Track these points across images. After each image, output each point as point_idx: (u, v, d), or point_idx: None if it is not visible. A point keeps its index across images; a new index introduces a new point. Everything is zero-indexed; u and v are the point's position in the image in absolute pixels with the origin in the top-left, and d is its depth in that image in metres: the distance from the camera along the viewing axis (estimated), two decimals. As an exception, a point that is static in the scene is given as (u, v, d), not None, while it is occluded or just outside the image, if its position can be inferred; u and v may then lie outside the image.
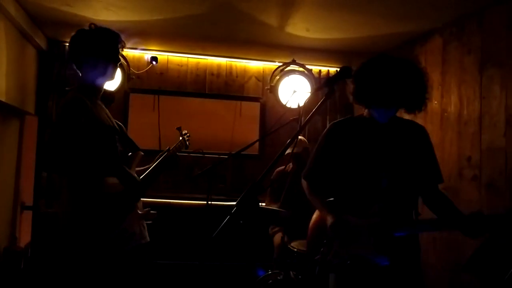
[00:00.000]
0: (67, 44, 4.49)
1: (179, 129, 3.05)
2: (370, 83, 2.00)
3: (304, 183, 2.25)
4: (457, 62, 3.39)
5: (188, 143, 3.02)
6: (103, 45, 2.23)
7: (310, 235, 2.24)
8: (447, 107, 3.44)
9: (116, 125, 2.31)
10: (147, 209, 2.45)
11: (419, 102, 2.00)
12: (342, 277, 2.03)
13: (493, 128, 3.00)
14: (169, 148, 2.67)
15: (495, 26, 3.04)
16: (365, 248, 1.95)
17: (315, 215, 2.24)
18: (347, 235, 1.97)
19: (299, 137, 1.75)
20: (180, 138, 2.96)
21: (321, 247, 2.07)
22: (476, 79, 3.18)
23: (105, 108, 2.28)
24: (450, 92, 3.43)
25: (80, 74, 2.24)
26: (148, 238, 2.47)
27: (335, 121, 2.22)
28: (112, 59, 2.27)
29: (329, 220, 2.02)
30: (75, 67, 2.25)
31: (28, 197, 4.37)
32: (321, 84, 1.80)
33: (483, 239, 2.67)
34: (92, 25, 2.25)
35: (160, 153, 2.60)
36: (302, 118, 1.90)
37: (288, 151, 1.92)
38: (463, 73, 3.31)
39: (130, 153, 2.40)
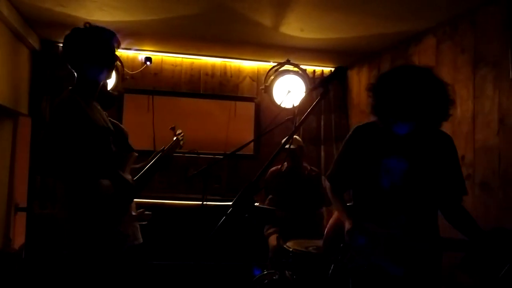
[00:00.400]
0: (61, 45, 4.47)
1: (173, 128, 3.04)
2: (389, 97, 1.91)
3: (327, 184, 2.26)
4: (451, 61, 3.40)
5: (182, 142, 3.01)
6: (100, 44, 2.20)
7: (327, 236, 2.25)
8: (441, 107, 3.45)
9: (111, 125, 2.30)
10: (141, 210, 2.44)
11: (441, 117, 1.91)
12: (356, 282, 2.03)
13: (486, 127, 3.02)
14: (163, 148, 2.66)
15: (488, 26, 3.05)
16: (381, 256, 1.94)
17: (333, 216, 2.25)
18: (364, 242, 1.97)
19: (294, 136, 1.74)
20: (174, 138, 2.95)
21: (337, 249, 2.09)
22: (469, 78, 3.19)
23: (100, 109, 2.26)
24: (444, 92, 3.44)
25: (76, 74, 2.22)
26: (141, 239, 2.47)
27: (357, 125, 2.17)
28: (108, 58, 2.25)
29: (347, 225, 2.02)
30: (69, 67, 2.23)
31: (22, 198, 4.35)
32: (316, 85, 1.80)
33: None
34: (87, 24, 2.22)
35: (154, 153, 2.59)
36: (297, 118, 1.90)
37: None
38: (457, 72, 3.33)
39: (124, 154, 2.38)
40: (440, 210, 2.05)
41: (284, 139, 3.95)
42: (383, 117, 1.97)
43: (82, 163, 2.07)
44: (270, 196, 3.92)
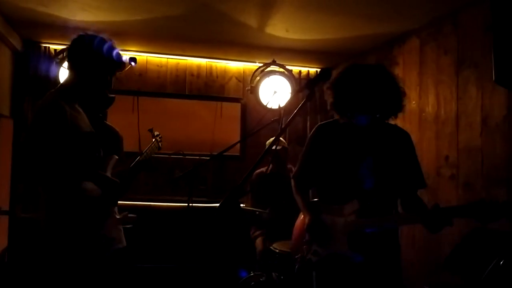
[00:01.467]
0: (44, 45, 4.42)
1: (151, 130, 3.03)
2: (345, 93, 2.04)
3: (292, 182, 2.31)
4: (434, 63, 3.44)
5: (161, 144, 3.00)
6: (114, 58, 2.25)
7: (294, 237, 2.29)
8: (425, 107, 3.49)
9: (92, 129, 2.27)
10: (125, 213, 2.42)
11: (395, 108, 2.04)
12: (321, 275, 2.09)
13: (469, 128, 3.06)
14: (142, 152, 2.65)
15: (470, 28, 3.09)
16: (340, 245, 2.01)
17: (299, 218, 2.28)
18: (323, 234, 2.04)
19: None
20: (153, 140, 2.94)
21: (301, 247, 2.15)
22: (452, 79, 3.23)
23: (83, 112, 2.24)
24: (428, 93, 3.48)
25: (73, 77, 2.20)
26: (125, 243, 2.45)
27: (320, 123, 2.26)
28: (113, 73, 2.30)
29: (306, 219, 2.10)
30: (68, 67, 2.22)
31: (4, 201, 4.26)
32: (302, 87, 1.83)
33: (462, 236, 2.72)
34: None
35: (135, 157, 2.58)
36: (283, 119, 1.93)
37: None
38: (440, 73, 3.37)
39: (104, 158, 2.37)
40: (400, 199, 2.15)
41: (269, 140, 3.95)
42: (342, 111, 2.08)
43: (64, 169, 2.04)
44: (255, 198, 3.91)
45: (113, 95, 2.71)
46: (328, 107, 2.14)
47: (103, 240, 2.22)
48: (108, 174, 2.33)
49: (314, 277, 2.12)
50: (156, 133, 3.02)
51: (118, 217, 2.37)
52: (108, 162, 2.37)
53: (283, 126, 1.78)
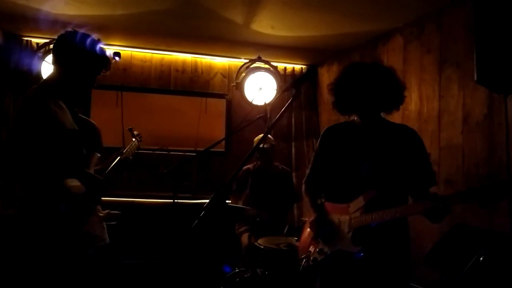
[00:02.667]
0: (26, 38, 4.33)
1: (131, 130, 3.01)
2: (346, 91, 2.10)
3: (303, 186, 2.36)
4: (417, 61, 3.49)
5: (140, 144, 2.99)
6: (103, 58, 2.22)
7: (302, 239, 2.35)
8: (408, 105, 3.54)
9: (76, 126, 2.25)
10: (107, 211, 2.41)
11: (396, 100, 2.10)
12: (326, 273, 2.12)
13: (451, 126, 3.12)
14: (121, 151, 2.63)
15: (453, 28, 3.14)
16: (345, 242, 2.03)
17: (305, 230, 2.32)
18: (327, 231, 2.07)
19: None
20: (133, 139, 2.92)
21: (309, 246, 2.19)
22: (435, 78, 3.28)
23: (66, 108, 2.21)
24: (411, 91, 3.52)
25: (57, 72, 2.17)
26: (108, 240, 2.44)
27: (327, 127, 2.33)
28: (99, 72, 2.25)
29: (312, 218, 2.16)
30: (53, 62, 2.18)
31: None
32: (288, 86, 1.84)
33: (443, 232, 2.77)
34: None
35: (114, 155, 2.56)
36: (269, 116, 1.96)
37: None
38: (423, 72, 3.42)
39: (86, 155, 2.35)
40: (412, 197, 2.15)
41: (257, 137, 3.95)
42: (344, 110, 2.16)
43: (47, 166, 2.02)
44: (242, 194, 3.92)
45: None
46: (331, 107, 2.20)
47: (87, 237, 2.21)
48: (91, 171, 2.31)
49: (319, 276, 2.15)
50: (136, 132, 3.00)
51: (101, 214, 2.36)
52: (91, 160, 2.35)
53: (270, 124, 1.79)
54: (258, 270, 3.13)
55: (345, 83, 2.11)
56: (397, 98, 2.11)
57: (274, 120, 1.77)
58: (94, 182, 2.20)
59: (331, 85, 2.17)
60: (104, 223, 2.40)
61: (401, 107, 2.13)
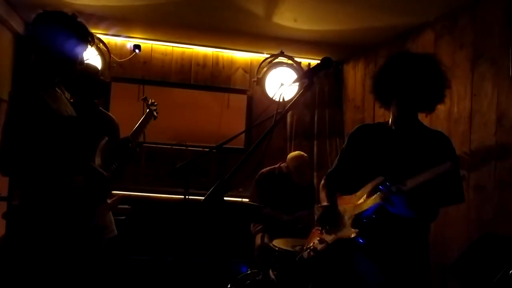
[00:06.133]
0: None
1: (145, 99, 2.92)
2: (390, 79, 2.05)
3: (322, 181, 2.34)
4: (449, 57, 3.27)
5: (156, 113, 2.88)
6: (77, 27, 2.11)
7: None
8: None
9: (74, 112, 2.18)
10: (115, 198, 2.35)
11: (438, 99, 2.05)
12: (324, 262, 2.12)
13: (483, 127, 2.91)
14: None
15: (488, 21, 2.92)
16: (345, 230, 2.01)
17: None
18: (330, 219, 2.08)
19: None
20: (147, 110, 2.82)
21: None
22: (467, 75, 3.07)
23: (63, 97, 2.14)
24: (441, 89, 3.32)
25: (38, 58, 2.10)
26: (116, 231, 2.41)
27: (361, 124, 2.32)
28: (83, 42, 2.14)
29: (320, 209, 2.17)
30: (32, 49, 2.10)
31: (3, 187, 4.20)
32: (300, 76, 1.72)
33: (470, 241, 2.59)
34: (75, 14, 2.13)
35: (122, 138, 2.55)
36: (287, 113, 1.91)
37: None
38: (455, 69, 3.20)
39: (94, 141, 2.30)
40: None
41: (290, 154, 3.87)
42: (382, 97, 2.12)
43: (48, 163, 1.96)
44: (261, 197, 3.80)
45: (107, 80, 2.63)
46: (369, 91, 2.17)
47: (97, 230, 2.19)
48: (98, 157, 2.26)
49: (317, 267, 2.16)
50: (151, 101, 2.91)
51: (109, 201, 2.31)
52: (98, 145, 2.30)
53: (276, 119, 1.67)
54: (270, 272, 2.99)
55: (393, 69, 2.05)
56: (438, 96, 2.03)
57: (282, 112, 1.64)
58: (96, 177, 2.15)
59: (376, 71, 2.14)
60: (110, 212, 2.38)
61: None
